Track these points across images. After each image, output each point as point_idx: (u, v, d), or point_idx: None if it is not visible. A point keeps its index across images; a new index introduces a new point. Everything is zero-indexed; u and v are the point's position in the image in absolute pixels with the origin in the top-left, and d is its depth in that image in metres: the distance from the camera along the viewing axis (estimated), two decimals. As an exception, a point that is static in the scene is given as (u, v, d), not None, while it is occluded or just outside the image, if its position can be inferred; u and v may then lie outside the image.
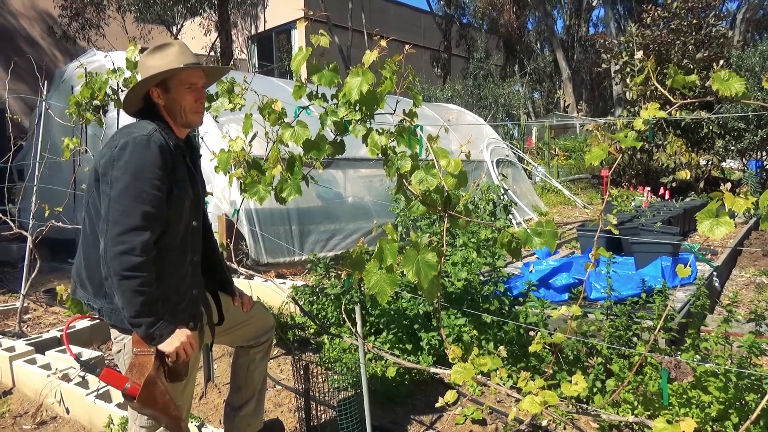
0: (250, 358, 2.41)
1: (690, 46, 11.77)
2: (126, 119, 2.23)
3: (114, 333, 1.94)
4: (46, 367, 3.33)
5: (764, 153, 12.50)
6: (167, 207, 1.80)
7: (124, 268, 1.69)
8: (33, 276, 4.31)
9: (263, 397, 2.50)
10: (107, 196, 1.74)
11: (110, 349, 3.95)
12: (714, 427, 2.47)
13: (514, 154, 11.76)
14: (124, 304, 1.74)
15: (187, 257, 1.94)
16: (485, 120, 13.15)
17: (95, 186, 1.83)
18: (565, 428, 2.75)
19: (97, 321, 3.89)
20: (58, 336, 3.83)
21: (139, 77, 1.96)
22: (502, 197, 5.20)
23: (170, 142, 1.86)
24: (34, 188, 4.62)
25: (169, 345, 1.79)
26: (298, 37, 21.45)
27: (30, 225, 4.32)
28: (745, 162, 12.88)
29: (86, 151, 4.47)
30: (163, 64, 1.88)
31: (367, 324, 3.65)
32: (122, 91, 3.72)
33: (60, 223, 4.27)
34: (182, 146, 1.95)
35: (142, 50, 3.61)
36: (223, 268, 2.31)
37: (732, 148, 11.93)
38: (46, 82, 4.93)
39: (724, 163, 12.94)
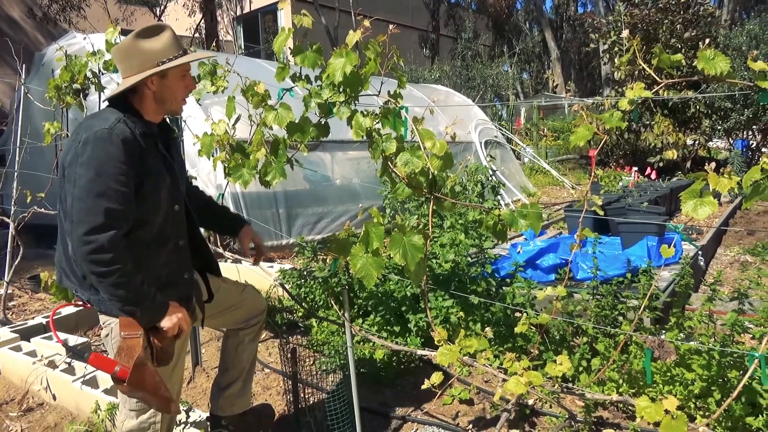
0: (239, 340, 2.41)
1: (678, 26, 11.75)
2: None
3: (102, 317, 1.93)
4: (32, 354, 3.31)
5: (750, 132, 12.58)
6: (141, 201, 1.76)
7: (97, 267, 1.66)
8: (17, 262, 4.26)
9: (250, 379, 2.50)
10: (71, 194, 1.68)
11: (97, 335, 3.93)
12: (697, 403, 2.50)
13: (503, 135, 11.75)
14: (109, 297, 1.73)
15: (170, 243, 1.91)
16: (474, 101, 13.10)
17: (61, 182, 1.78)
18: (551, 407, 2.78)
19: (81, 308, 3.88)
20: (44, 323, 3.80)
21: (130, 62, 1.83)
22: (490, 178, 5.19)
23: (137, 132, 1.78)
24: (15, 174, 4.55)
25: (168, 321, 1.80)
26: (284, 17, 21.16)
27: (12, 211, 4.26)
28: (732, 141, 12.97)
29: (67, 135, 4.39)
30: (161, 48, 1.83)
31: (355, 306, 3.65)
32: (102, 74, 3.65)
33: (43, 209, 4.21)
34: (153, 133, 1.88)
35: (124, 33, 3.54)
36: (208, 248, 2.28)
37: (719, 127, 12.00)
38: (24, 65, 4.82)
39: (710, 143, 13.02)
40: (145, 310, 1.76)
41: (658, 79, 2.00)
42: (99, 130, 1.71)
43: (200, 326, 2.46)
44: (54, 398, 3.06)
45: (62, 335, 3.49)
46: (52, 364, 3.15)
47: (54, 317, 3.87)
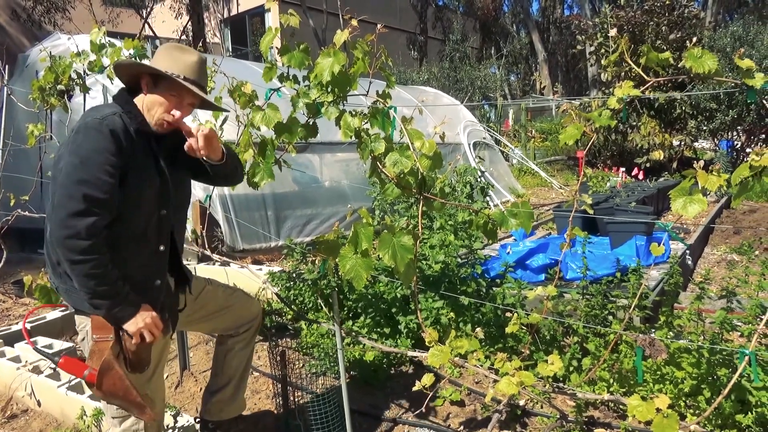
0: (228, 347, 2.38)
1: (663, 27, 11.86)
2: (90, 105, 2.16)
3: (77, 321, 1.90)
4: (16, 359, 3.25)
5: (735, 133, 12.71)
6: (123, 195, 1.74)
7: (72, 253, 1.64)
8: (0, 267, 4.19)
9: (242, 386, 2.47)
10: (56, 179, 1.70)
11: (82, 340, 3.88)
12: (687, 402, 2.51)
13: (491, 136, 11.78)
14: (80, 287, 1.71)
15: (150, 246, 1.87)
16: (462, 103, 13.14)
17: (53, 180, 1.77)
18: (542, 407, 2.77)
19: (69, 312, 3.83)
20: (28, 327, 3.74)
21: (156, 58, 1.91)
22: (479, 179, 5.20)
23: (131, 127, 1.79)
24: (-1, 177, 4.48)
25: (132, 325, 1.76)
26: (272, 19, 21.10)
27: (-5, 215, 4.20)
28: (717, 142, 13.10)
29: (51, 137, 4.34)
30: (182, 61, 1.88)
31: (345, 308, 3.63)
32: (87, 75, 3.60)
33: (27, 213, 4.15)
34: (149, 132, 1.86)
35: (110, 35, 3.49)
36: (180, 259, 2.18)
37: (704, 128, 12.11)
38: (7, 67, 4.75)
39: (696, 144, 13.15)
40: (113, 306, 1.73)
41: (646, 77, 2.01)
42: (90, 120, 1.72)
43: (181, 332, 2.42)
44: (39, 404, 3.00)
45: (47, 340, 3.44)
46: (36, 370, 3.09)
47: (39, 323, 3.81)
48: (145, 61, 1.91)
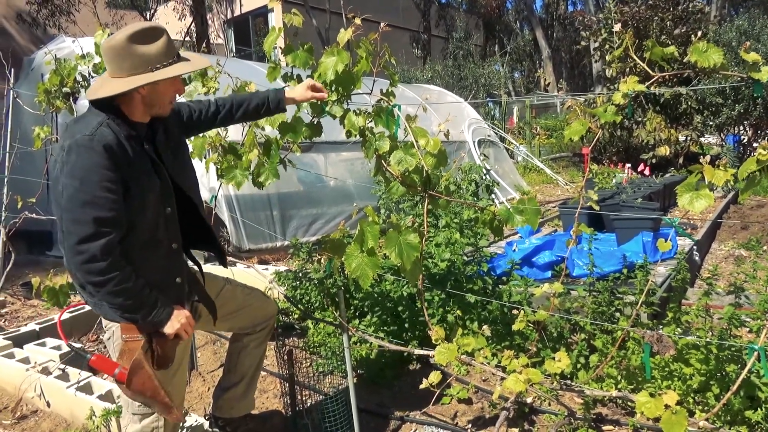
0: (242, 345, 2.38)
1: (668, 22, 11.80)
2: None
3: (104, 320, 1.90)
4: (25, 360, 3.27)
5: (741, 128, 12.64)
6: (129, 205, 1.71)
7: (92, 277, 1.64)
8: (8, 269, 4.21)
9: (254, 384, 2.47)
10: (59, 204, 1.65)
11: (91, 341, 3.90)
12: (696, 398, 2.50)
13: (496, 134, 11.76)
14: (109, 306, 1.72)
15: (163, 247, 1.86)
16: (466, 101, 13.11)
17: (53, 188, 1.73)
18: (549, 404, 2.77)
19: (77, 312, 3.85)
20: (37, 329, 3.76)
21: (121, 63, 1.75)
22: (484, 177, 5.19)
23: (121, 135, 1.73)
24: (6, 179, 4.50)
25: (170, 327, 1.79)
26: (275, 20, 21.13)
27: (2, 217, 4.22)
28: (723, 137, 13.02)
29: (57, 140, 4.36)
30: (156, 54, 1.76)
31: (351, 307, 3.63)
32: (92, 77, 3.62)
33: (34, 215, 4.17)
34: (140, 134, 1.82)
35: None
36: (215, 240, 2.21)
37: (710, 123, 12.04)
38: (12, 70, 4.78)
39: (702, 139, 13.07)
40: (146, 315, 1.74)
41: (651, 72, 2.00)
42: (80, 138, 1.65)
43: (211, 328, 2.42)
44: (48, 405, 3.02)
45: (57, 341, 3.46)
46: (45, 371, 3.11)
47: (47, 324, 3.83)
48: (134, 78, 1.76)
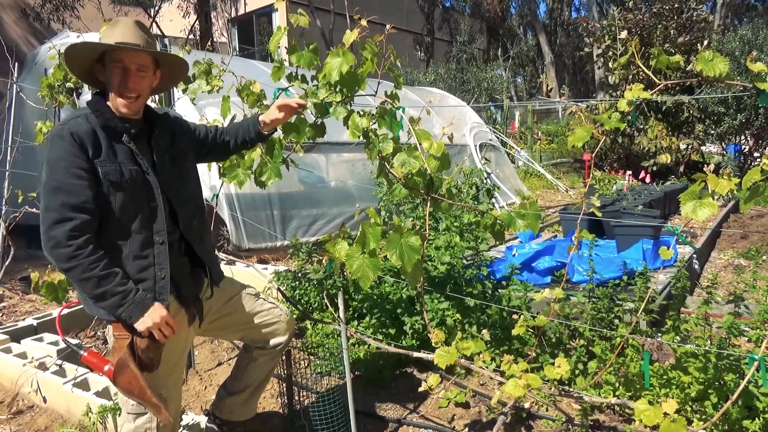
0: (252, 357, 2.33)
1: (672, 31, 11.80)
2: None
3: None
4: (22, 355, 3.26)
5: (743, 137, 12.64)
6: (99, 194, 1.72)
7: (60, 262, 1.67)
8: (7, 263, 4.21)
9: (258, 394, 2.42)
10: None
11: (89, 337, 3.89)
12: (694, 407, 2.49)
13: (497, 138, 11.76)
14: (80, 292, 1.75)
15: (143, 240, 1.82)
16: (468, 104, 13.12)
17: None
18: (547, 410, 2.76)
19: (74, 309, 3.84)
20: (35, 324, 3.75)
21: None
22: (485, 181, 5.18)
23: (98, 126, 1.76)
24: (7, 173, 4.50)
25: (141, 324, 1.74)
26: (279, 19, 21.14)
27: (3, 211, 4.21)
28: (725, 146, 13.02)
29: (60, 135, 4.35)
30: (111, 32, 1.81)
31: (350, 309, 3.63)
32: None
33: (34, 209, 4.16)
34: (120, 127, 1.81)
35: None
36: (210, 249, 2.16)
37: (712, 132, 12.05)
38: (16, 64, 4.78)
39: (703, 147, 13.08)
40: (116, 306, 1.72)
41: (656, 80, 2.00)
42: (54, 128, 1.74)
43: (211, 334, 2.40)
44: (44, 401, 3.01)
45: (54, 337, 3.45)
46: (42, 366, 3.11)
47: (45, 319, 3.83)
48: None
